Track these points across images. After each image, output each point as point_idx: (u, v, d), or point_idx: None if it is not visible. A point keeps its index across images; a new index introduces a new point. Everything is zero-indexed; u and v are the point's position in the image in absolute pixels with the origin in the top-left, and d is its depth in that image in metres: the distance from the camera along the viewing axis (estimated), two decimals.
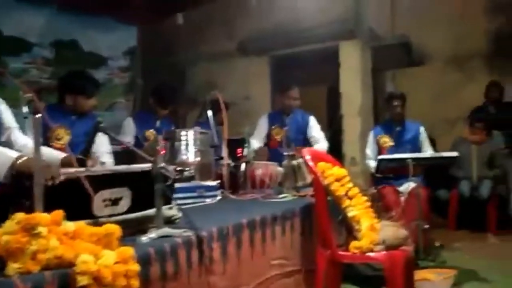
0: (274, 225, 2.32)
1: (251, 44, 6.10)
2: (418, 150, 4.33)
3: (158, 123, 3.92)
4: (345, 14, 5.52)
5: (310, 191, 3.01)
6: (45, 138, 2.93)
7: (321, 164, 2.54)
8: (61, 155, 2.28)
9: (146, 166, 1.86)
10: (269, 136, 4.28)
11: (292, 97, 4.26)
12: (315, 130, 4.32)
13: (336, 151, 5.56)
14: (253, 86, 6.12)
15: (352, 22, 5.55)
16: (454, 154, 4.10)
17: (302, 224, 2.58)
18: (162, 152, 3.03)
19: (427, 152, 4.32)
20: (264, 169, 3.35)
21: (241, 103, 5.82)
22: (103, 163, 2.77)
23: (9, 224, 1.33)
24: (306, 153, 2.63)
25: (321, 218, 2.46)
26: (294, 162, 3.29)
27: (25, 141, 2.25)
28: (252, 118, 5.13)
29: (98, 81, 3.45)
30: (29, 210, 1.47)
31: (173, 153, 3.10)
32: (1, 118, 2.20)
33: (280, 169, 3.44)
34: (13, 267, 1.26)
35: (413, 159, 3.76)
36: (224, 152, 3.34)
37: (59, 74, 4.25)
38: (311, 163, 2.54)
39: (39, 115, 1.51)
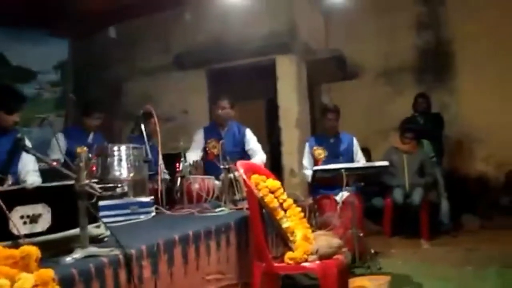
0: (208, 239, 2.29)
1: (187, 58, 6.07)
2: (352, 160, 4.45)
3: (90, 139, 3.80)
4: (280, 28, 5.62)
5: (246, 204, 3.01)
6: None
7: (255, 177, 2.55)
8: None
9: (67, 182, 1.79)
10: (205, 150, 4.24)
11: (221, 107, 4.21)
12: (252, 142, 4.34)
13: (276, 163, 5.63)
14: (190, 100, 6.08)
15: (287, 36, 5.65)
16: (385, 163, 4.25)
17: (238, 237, 2.57)
18: (93, 169, 2.96)
19: (360, 162, 4.45)
20: (201, 183, 3.32)
21: (178, 117, 5.76)
22: (24, 182, 2.64)
23: None
24: (240, 166, 2.63)
25: (256, 231, 2.46)
26: (231, 175, 3.29)
27: None
28: (190, 132, 5.07)
29: (23, 96, 3.29)
30: None
31: (105, 169, 3.01)
32: None
33: (217, 182, 3.42)
34: None
35: (346, 169, 3.86)
36: (159, 167, 3.28)
37: None
38: (244, 176, 2.54)
39: None
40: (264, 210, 2.56)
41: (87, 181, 1.72)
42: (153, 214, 2.85)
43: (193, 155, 4.09)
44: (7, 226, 1.58)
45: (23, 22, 4.41)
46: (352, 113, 5.75)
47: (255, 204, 2.48)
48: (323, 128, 4.71)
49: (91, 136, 3.87)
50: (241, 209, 2.97)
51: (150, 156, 3.15)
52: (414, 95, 5.88)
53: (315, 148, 4.49)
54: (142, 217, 2.76)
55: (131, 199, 2.84)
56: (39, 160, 2.99)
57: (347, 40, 6.42)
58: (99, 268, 1.59)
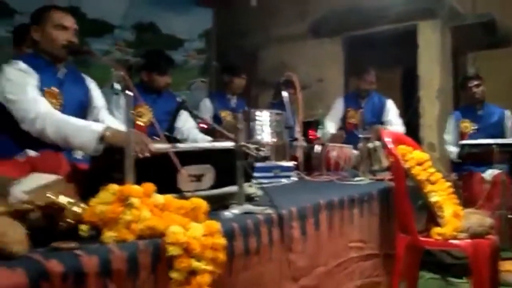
0: (351, 207, 2.29)
1: (323, 25, 5.99)
2: (503, 135, 4.08)
3: (233, 103, 3.98)
4: None
5: (386, 175, 2.94)
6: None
7: (402, 147, 2.46)
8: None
9: (228, 144, 1.89)
10: (344, 119, 4.21)
11: (368, 81, 4.18)
12: (392, 113, 4.21)
13: (413, 136, 5.38)
14: (326, 68, 6.02)
15: (432, 0, 5.29)
16: None
17: (380, 208, 2.53)
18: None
19: None
20: (339, 151, 3.31)
21: (313, 85, 5.75)
22: (195, 140, 2.85)
23: (104, 195, 1.39)
24: (386, 135, 2.56)
25: (401, 203, 2.39)
26: (370, 145, 3.23)
27: (111, 120, 2.35)
28: (325, 100, 5.06)
29: (172, 59, 3.54)
30: (120, 182, 1.54)
31: (248, 133, 3.15)
32: (91, 96, 2.29)
33: (355, 152, 3.39)
34: (109, 235, 1.32)
35: (499, 145, 3.55)
36: (299, 134, 3.34)
37: (139, 56, 4.43)
38: (391, 146, 2.47)
39: (130, 92, 1.57)
40: (408, 182, 2.47)
41: (244, 143, 1.82)
42: (294, 178, 2.92)
43: (332, 123, 4.09)
44: (176, 182, 1.73)
45: None
46: (500, 85, 5.23)
47: (401, 175, 2.41)
48: (468, 99, 4.37)
49: (234, 101, 4.04)
50: (382, 180, 2.90)
51: (292, 122, 3.21)
52: None
53: (461, 120, 4.20)
54: (284, 180, 2.84)
55: (274, 162, 2.93)
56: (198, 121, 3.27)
57: (497, 3, 5.79)
58: (256, 225, 1.67)
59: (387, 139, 2.51)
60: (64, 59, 2.14)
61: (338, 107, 4.27)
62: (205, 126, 3.55)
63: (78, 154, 2.35)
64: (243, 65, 4.46)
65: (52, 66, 2.13)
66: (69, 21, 2.12)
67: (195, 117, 2.93)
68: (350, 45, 6.03)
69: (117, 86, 1.52)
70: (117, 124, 2.38)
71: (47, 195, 1.30)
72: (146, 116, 3.04)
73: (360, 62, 5.17)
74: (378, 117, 4.17)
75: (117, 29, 4.54)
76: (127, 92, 1.54)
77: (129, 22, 4.63)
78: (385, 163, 3.08)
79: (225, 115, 3.89)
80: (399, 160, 2.40)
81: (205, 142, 2.72)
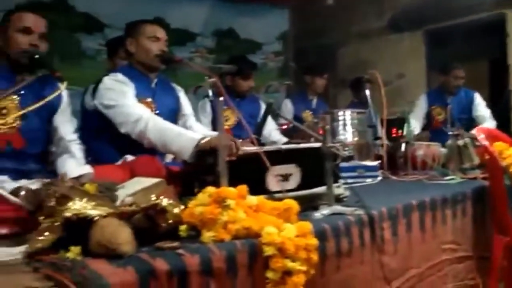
0: (444, 208, 2.20)
1: (403, 19, 5.81)
2: None
3: (313, 104, 3.98)
4: None
5: (478, 173, 2.80)
6: (213, 119, 3.17)
7: (498, 144, 2.34)
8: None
9: (315, 144, 1.90)
10: (428, 116, 4.07)
11: (459, 77, 4.02)
12: (481, 108, 4.00)
13: (503, 131, 5.06)
14: (407, 63, 5.84)
15: None
16: None
17: (474, 208, 2.41)
18: (319, 132, 3.11)
19: None
20: (426, 149, 3.19)
21: (394, 81, 5.60)
22: (274, 142, 2.91)
23: (201, 197, 1.45)
24: (479, 132, 2.44)
25: (499, 203, 2.27)
26: (460, 142, 3.08)
27: (199, 127, 2.45)
28: (406, 97, 4.91)
29: (254, 63, 3.61)
30: (213, 185, 1.60)
31: (331, 133, 3.13)
32: (181, 104, 2.40)
33: (443, 149, 3.26)
34: (208, 235, 1.38)
35: None
36: (382, 132, 3.26)
37: (220, 61, 4.56)
38: (485, 143, 2.35)
39: (222, 97, 1.63)
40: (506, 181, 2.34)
41: (332, 144, 1.82)
42: (380, 178, 2.86)
43: (415, 121, 3.96)
44: (264, 183, 1.77)
45: None
46: None
47: (498, 174, 2.28)
48: None
49: (314, 101, 4.05)
50: (474, 178, 2.77)
51: (374, 121, 3.15)
52: None
53: None
54: (369, 180, 2.79)
55: (358, 162, 2.89)
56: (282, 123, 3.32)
57: None
58: (347, 226, 1.66)
59: (481, 136, 2.39)
60: (158, 69, 2.26)
61: (421, 104, 4.13)
62: (285, 128, 3.58)
63: (168, 158, 2.48)
64: (321, 65, 4.45)
65: (146, 77, 2.26)
66: (161, 33, 2.24)
67: (280, 118, 2.97)
68: (431, 38, 5.80)
69: (210, 92, 1.58)
70: (204, 129, 2.47)
71: (151, 197, 1.38)
72: (231, 119, 3.13)
73: (442, 56, 4.96)
74: (466, 113, 3.99)
75: (198, 36, 4.71)
76: (219, 98, 1.60)
77: (209, 30, 4.78)
78: (476, 160, 2.94)
79: (306, 115, 3.90)
80: (496, 158, 2.28)
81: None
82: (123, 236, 1.23)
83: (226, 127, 3.10)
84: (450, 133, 3.19)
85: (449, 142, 3.15)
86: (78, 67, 3.74)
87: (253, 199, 1.52)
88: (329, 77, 4.33)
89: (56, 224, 1.26)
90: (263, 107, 3.46)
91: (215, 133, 2.36)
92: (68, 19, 3.85)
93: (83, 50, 3.96)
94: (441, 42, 5.58)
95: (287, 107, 3.95)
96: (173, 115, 2.31)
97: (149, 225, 1.41)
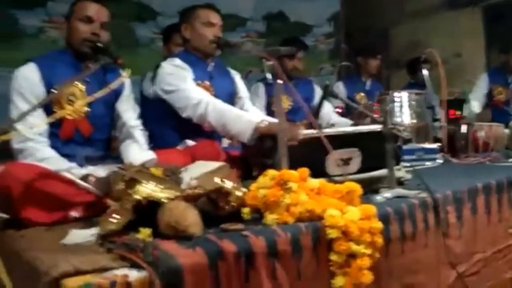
0: (510, 190, 2.12)
1: None
2: None
3: (367, 86, 3.90)
4: None
5: None
6: (267, 104, 3.17)
7: None
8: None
9: (375, 127, 1.87)
10: (489, 96, 3.90)
11: None
12: None
13: None
14: (464, 41, 5.59)
15: None
16: None
17: None
18: (376, 114, 3.05)
19: None
20: (488, 131, 3.07)
21: (451, 60, 5.38)
22: (332, 125, 2.88)
23: (263, 180, 1.46)
24: None
25: None
26: None
27: (254, 110, 2.46)
28: (464, 76, 4.72)
29: (304, 43, 3.55)
30: (271, 168, 1.61)
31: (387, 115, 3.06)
32: (237, 88, 2.42)
33: (506, 130, 3.12)
34: (271, 218, 1.39)
35: None
36: (441, 114, 3.16)
37: (271, 45, 4.53)
38: None
39: (281, 80, 1.62)
40: None
41: (392, 126, 1.78)
42: (440, 161, 2.78)
43: (476, 101, 3.81)
44: (324, 167, 1.76)
45: None
46: None
47: None
48: None
49: (368, 83, 3.96)
50: None
51: (433, 102, 3.06)
52: None
53: None
54: (428, 163, 2.72)
55: (416, 145, 2.82)
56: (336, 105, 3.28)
57: None
58: (410, 209, 1.63)
59: None
60: (213, 54, 2.29)
61: (482, 84, 3.96)
62: (340, 110, 3.53)
63: (224, 143, 2.51)
64: (373, 46, 4.34)
65: (203, 61, 2.28)
66: (215, 18, 2.25)
67: (334, 101, 2.93)
68: (490, 15, 5.52)
69: (269, 75, 1.58)
70: (260, 113, 2.48)
71: (215, 180, 1.41)
72: (285, 103, 3.11)
73: (502, 33, 4.72)
74: None
75: (248, 21, 4.70)
76: (277, 81, 1.60)
77: (259, 14, 4.76)
78: None
79: (360, 98, 3.83)
80: None
81: (346, 125, 2.71)
82: (191, 218, 1.26)
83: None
84: None
85: None
86: (133, 56, 3.82)
87: (315, 182, 1.52)
88: (382, 58, 4.22)
89: (126, 206, 1.30)
90: (316, 90, 3.43)
91: (271, 118, 2.37)
92: (122, 8, 3.91)
93: (137, 38, 4.03)
94: (500, 19, 5.30)
95: (340, 90, 3.88)
96: (230, 98, 2.33)
97: (212, 208, 1.44)
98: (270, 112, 3.05)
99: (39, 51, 3.35)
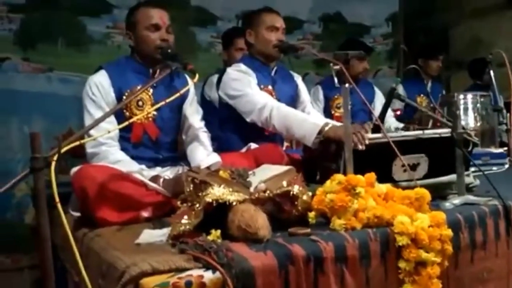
0: None
1: None
2: None
3: (428, 88, 3.81)
4: None
5: None
6: (326, 107, 3.16)
7: None
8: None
9: (443, 131, 1.83)
10: None
11: None
12: None
13: None
14: None
15: None
16: None
17: None
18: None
19: None
20: None
21: None
22: (397, 128, 2.83)
23: (330, 185, 1.46)
24: None
25: None
26: None
27: (316, 113, 2.46)
28: None
29: (369, 46, 3.52)
30: (336, 172, 1.60)
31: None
32: (299, 91, 2.43)
33: None
34: (338, 223, 1.39)
35: None
36: (508, 117, 3.04)
37: (328, 47, 4.50)
38: None
39: (348, 84, 1.62)
40: None
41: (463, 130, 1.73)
42: (507, 166, 2.67)
43: None
44: (390, 172, 1.74)
45: None
46: None
47: None
48: None
49: (429, 85, 3.87)
50: None
51: (500, 104, 2.94)
52: None
53: None
54: (495, 168, 2.62)
55: (482, 149, 2.72)
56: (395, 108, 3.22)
57: None
58: (481, 217, 1.59)
59: None
60: (277, 58, 2.31)
61: None
62: (398, 113, 3.46)
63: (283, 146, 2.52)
64: (434, 46, 4.22)
65: (266, 66, 2.31)
66: (279, 22, 2.27)
67: (393, 103, 2.88)
68: None
69: (336, 80, 1.58)
70: (321, 116, 2.48)
71: (282, 184, 1.42)
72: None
73: None
74: None
75: (305, 23, 4.67)
76: (345, 85, 1.59)
77: (316, 15, 4.72)
78: None
79: (421, 100, 3.74)
80: None
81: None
82: (261, 221, 1.28)
83: (339, 114, 3.06)
84: None
85: None
86: (193, 60, 3.90)
87: (382, 187, 1.51)
88: (443, 62, 4.10)
89: (197, 208, 1.34)
90: (377, 92, 3.37)
91: (335, 122, 2.37)
92: (182, 13, 4.00)
93: (197, 43, 4.10)
94: None
95: (399, 91, 3.80)
96: (292, 102, 2.34)
97: (277, 211, 1.46)
98: (328, 115, 3.04)
99: (106, 56, 3.53)
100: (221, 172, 1.50)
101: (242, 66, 2.23)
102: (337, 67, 1.60)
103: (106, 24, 3.78)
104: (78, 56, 3.61)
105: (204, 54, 4.12)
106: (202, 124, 2.10)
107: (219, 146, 2.25)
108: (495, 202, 1.67)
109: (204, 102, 2.88)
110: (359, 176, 1.45)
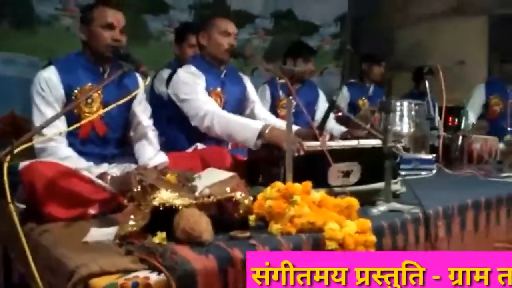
0: (499, 207, 2.24)
1: (467, 2, 5.62)
2: None
3: (370, 92, 4.01)
4: None
5: None
6: (272, 106, 3.28)
7: None
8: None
9: (376, 142, 1.99)
10: (487, 106, 4.01)
11: None
12: None
13: None
14: (468, 49, 5.66)
15: None
16: None
17: None
18: (375, 122, 3.15)
19: None
20: (483, 143, 3.20)
21: (453, 68, 5.47)
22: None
23: (270, 191, 1.58)
24: None
25: None
26: None
27: (265, 114, 2.58)
28: (465, 84, 4.82)
29: (312, 48, 3.65)
30: (277, 177, 1.73)
31: (385, 124, 3.16)
32: (248, 93, 2.54)
33: (500, 145, 3.24)
34: (275, 227, 1.51)
35: None
36: (440, 124, 3.27)
37: (278, 43, 4.63)
38: None
39: (292, 97, 1.74)
40: None
41: (393, 143, 1.90)
42: (434, 171, 2.90)
43: (472, 111, 3.92)
44: (326, 177, 1.89)
45: None
46: None
47: None
48: None
49: (371, 89, 4.07)
50: None
51: (433, 113, 3.17)
52: None
53: None
54: (423, 173, 2.84)
55: (413, 155, 2.94)
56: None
57: None
58: (403, 223, 1.76)
59: None
60: (227, 62, 2.40)
61: (479, 94, 4.06)
62: (340, 115, 3.63)
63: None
64: (378, 48, 4.43)
65: (216, 68, 2.40)
66: (231, 28, 2.36)
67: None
68: (496, 24, 5.60)
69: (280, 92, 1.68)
70: (269, 115, 2.60)
71: (226, 189, 1.53)
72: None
73: (507, 43, 4.80)
74: None
75: (257, 18, 4.77)
76: (289, 98, 1.71)
77: (269, 11, 4.84)
78: None
79: (363, 103, 3.94)
80: None
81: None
82: (204, 226, 1.38)
83: (283, 113, 3.19)
84: (510, 128, 3.17)
85: (508, 137, 3.14)
86: (144, 48, 3.91)
87: (317, 195, 1.64)
88: (386, 60, 4.31)
89: (144, 210, 1.42)
90: (320, 95, 3.52)
91: (276, 120, 2.50)
92: (135, 1, 4.00)
93: (150, 31, 4.12)
94: (506, 28, 5.38)
95: (343, 94, 3.99)
96: (239, 103, 2.46)
97: (220, 214, 1.57)
98: (275, 113, 3.16)
99: (53, 38, 3.52)
100: (168, 175, 1.58)
101: (192, 68, 2.31)
102: (282, 80, 1.71)
103: (55, 5, 3.73)
104: (25, 37, 3.56)
105: (155, 43, 4.15)
106: (150, 122, 2.16)
107: (166, 141, 2.32)
108: (417, 210, 1.85)
109: (154, 95, 2.92)
110: (297, 185, 1.58)
